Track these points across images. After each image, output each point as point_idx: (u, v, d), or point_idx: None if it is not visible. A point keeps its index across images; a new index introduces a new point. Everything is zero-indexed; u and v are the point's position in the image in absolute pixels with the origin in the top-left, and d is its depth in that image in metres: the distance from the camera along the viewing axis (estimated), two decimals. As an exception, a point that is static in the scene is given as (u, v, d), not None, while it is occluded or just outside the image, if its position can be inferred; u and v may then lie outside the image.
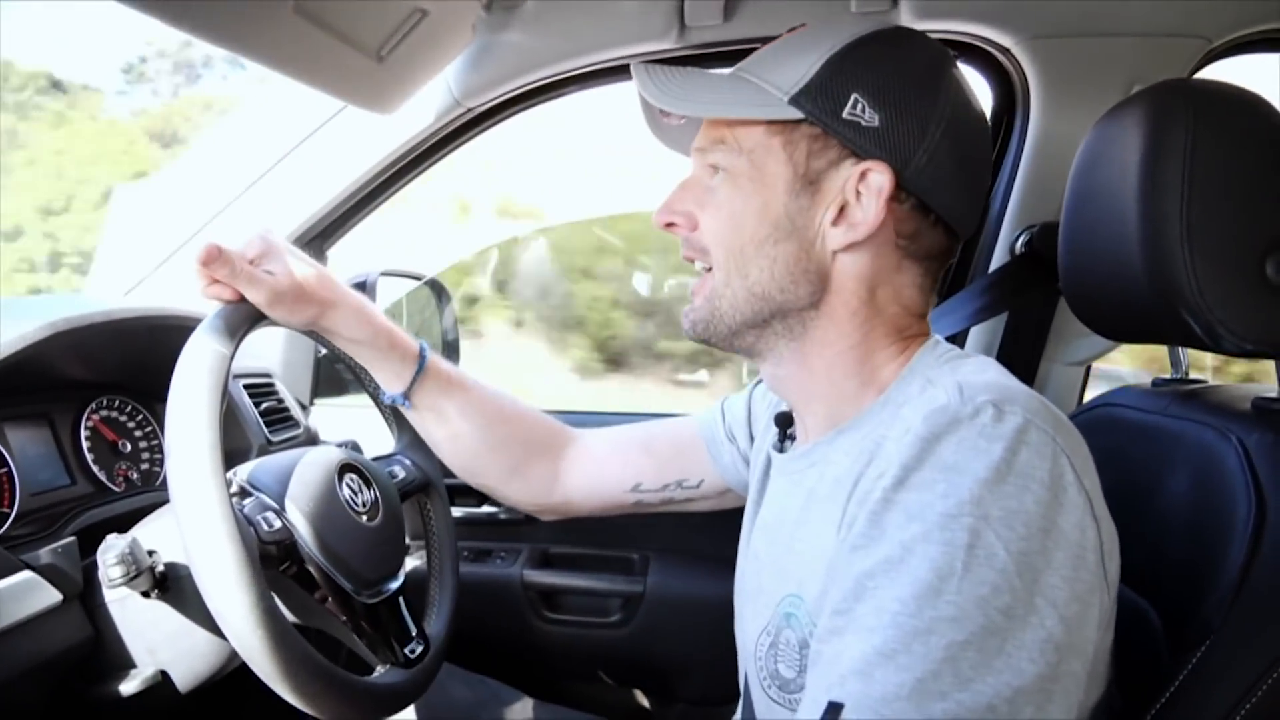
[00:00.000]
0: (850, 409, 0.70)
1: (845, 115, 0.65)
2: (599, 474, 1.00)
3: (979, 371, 0.62)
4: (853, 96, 0.65)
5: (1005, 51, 1.20)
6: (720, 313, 0.71)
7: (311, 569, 0.78)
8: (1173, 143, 0.68)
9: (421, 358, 0.92)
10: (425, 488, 1.03)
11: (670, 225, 0.74)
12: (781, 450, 0.79)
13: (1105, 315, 0.81)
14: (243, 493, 0.80)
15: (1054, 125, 1.19)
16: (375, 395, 0.97)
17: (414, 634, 0.87)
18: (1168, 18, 1.12)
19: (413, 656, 0.85)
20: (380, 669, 0.83)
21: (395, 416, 1.01)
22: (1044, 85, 1.18)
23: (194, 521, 0.66)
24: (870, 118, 0.65)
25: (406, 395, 0.92)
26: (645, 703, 1.50)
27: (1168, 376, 0.91)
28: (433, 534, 1.04)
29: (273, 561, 0.76)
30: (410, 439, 1.02)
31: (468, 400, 0.96)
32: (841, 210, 0.67)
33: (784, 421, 0.82)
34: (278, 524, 0.77)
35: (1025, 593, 0.49)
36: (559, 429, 1.03)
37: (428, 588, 1.00)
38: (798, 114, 0.65)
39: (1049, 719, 0.49)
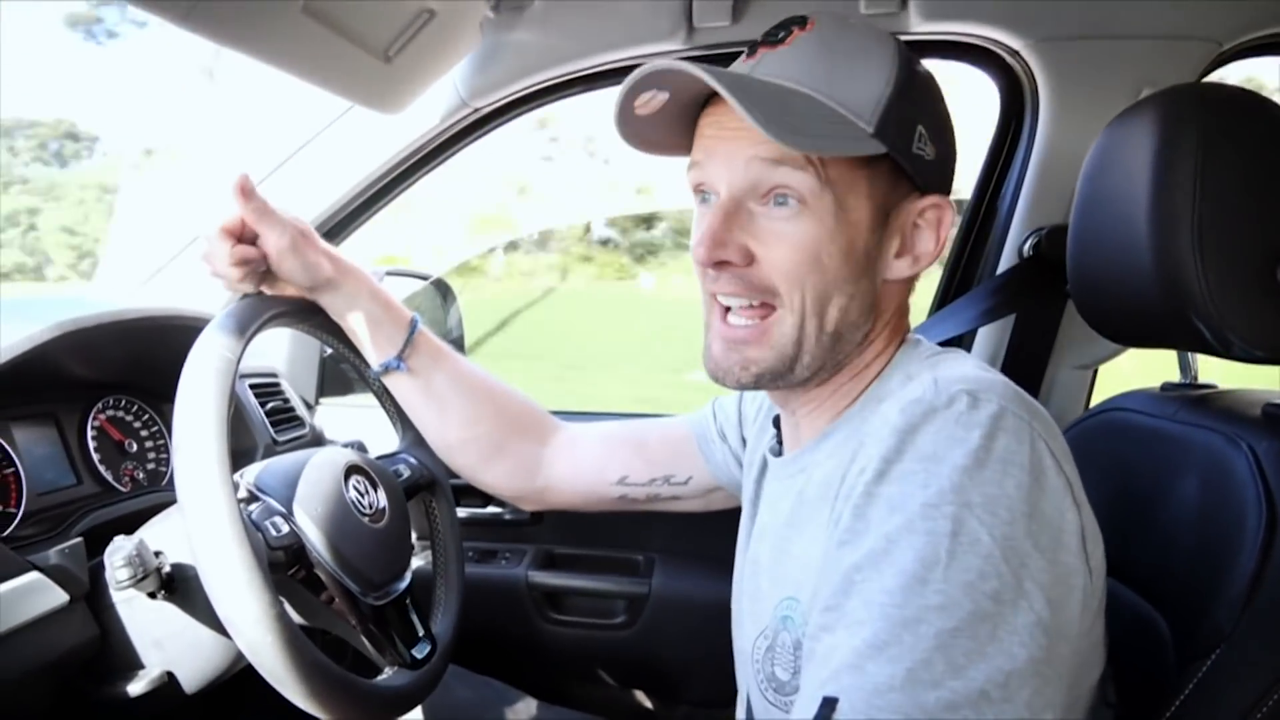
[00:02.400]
0: (841, 409, 0.70)
1: (914, 149, 0.64)
2: (584, 464, 1.00)
3: (955, 365, 0.63)
4: (919, 128, 0.64)
5: (1014, 54, 1.19)
6: (793, 359, 0.66)
7: (319, 573, 0.78)
8: (1184, 147, 0.68)
9: (413, 324, 0.94)
10: (430, 486, 1.03)
11: (722, 263, 0.65)
12: (779, 454, 0.79)
13: (1114, 319, 0.81)
14: (250, 497, 0.80)
15: (1063, 128, 1.18)
16: (368, 374, 0.97)
17: (421, 634, 0.87)
18: (1178, 21, 1.11)
19: (420, 657, 0.85)
20: (388, 671, 0.83)
21: (398, 413, 1.01)
22: (1053, 88, 1.18)
23: (203, 527, 0.66)
24: (930, 151, 0.65)
25: (400, 358, 0.92)
26: (649, 704, 1.50)
27: (1177, 381, 0.90)
28: (438, 533, 1.04)
29: (281, 566, 0.76)
30: (415, 437, 1.03)
31: (456, 372, 0.97)
32: (902, 241, 0.67)
33: (779, 423, 0.81)
34: (286, 528, 0.77)
35: (1013, 577, 0.49)
36: (545, 416, 1.04)
37: (434, 587, 1.00)
38: (882, 148, 0.62)
39: (1042, 701, 0.49)
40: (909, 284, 0.71)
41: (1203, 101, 0.69)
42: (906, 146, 0.63)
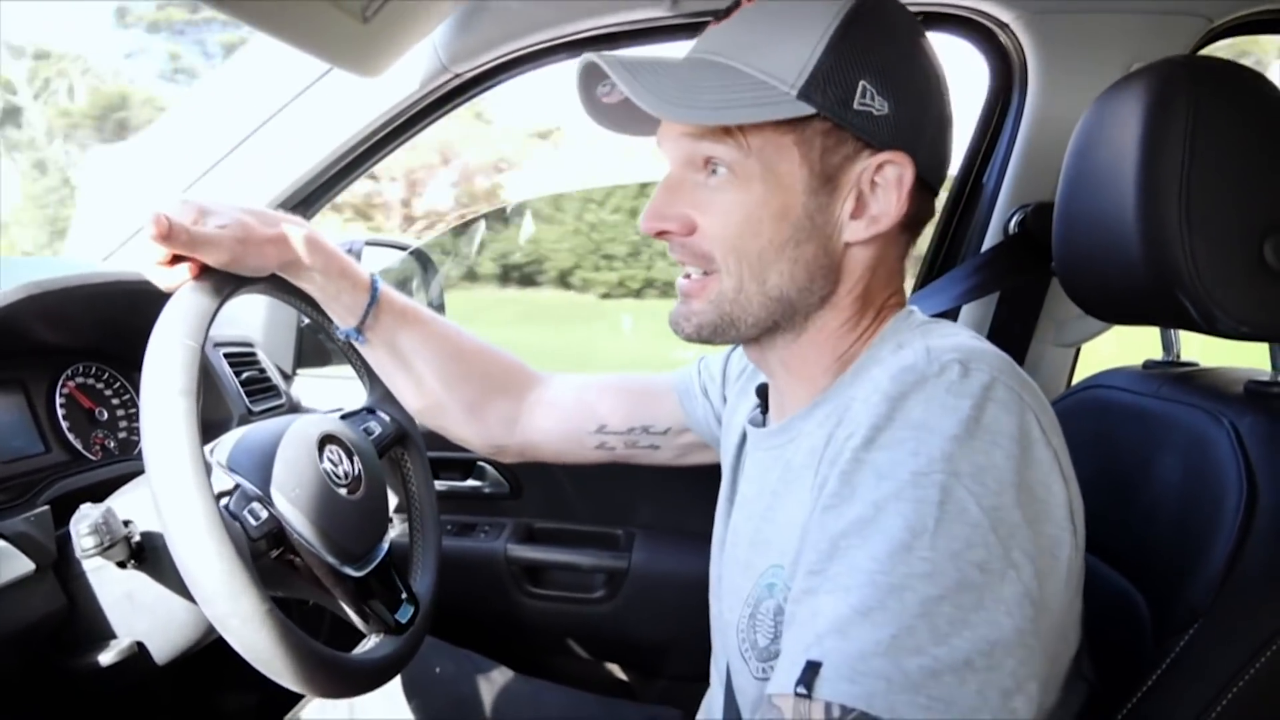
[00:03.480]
0: (826, 380, 0.70)
1: (856, 106, 0.62)
2: (563, 414, 1.00)
3: (948, 334, 0.62)
4: (860, 84, 0.62)
5: (1004, 26, 1.18)
6: (732, 318, 0.68)
7: (301, 553, 0.78)
8: (1173, 122, 0.67)
9: (374, 289, 0.90)
10: (402, 440, 1.01)
11: (663, 233, 0.69)
12: (762, 424, 0.79)
13: (1099, 297, 0.81)
14: (228, 490, 0.78)
15: (1051, 103, 1.18)
16: (333, 335, 0.95)
17: (404, 597, 0.87)
18: (1170, -5, 1.11)
19: (404, 621, 0.85)
20: (374, 639, 0.82)
21: (365, 368, 1.00)
22: (1042, 62, 1.17)
23: (177, 519, 0.64)
24: (880, 106, 0.62)
25: (360, 328, 0.90)
26: (627, 678, 1.50)
27: (1159, 359, 0.90)
28: (412, 487, 1.03)
29: (263, 553, 0.75)
30: (383, 392, 1.01)
31: (424, 334, 0.95)
32: (858, 201, 0.65)
33: (766, 393, 0.81)
34: (264, 514, 0.76)
35: (1000, 547, 0.49)
36: (523, 368, 1.03)
37: (411, 545, 1.00)
38: (809, 109, 0.62)
39: (1026, 672, 0.49)
40: (884, 247, 0.68)
41: (1192, 75, 0.68)
42: (844, 104, 0.62)
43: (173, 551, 0.65)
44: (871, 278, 0.68)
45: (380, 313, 0.91)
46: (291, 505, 0.78)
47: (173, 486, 0.64)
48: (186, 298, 0.74)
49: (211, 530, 0.64)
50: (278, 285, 0.87)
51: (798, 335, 0.69)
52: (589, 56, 0.65)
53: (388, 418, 1.00)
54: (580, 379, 1.02)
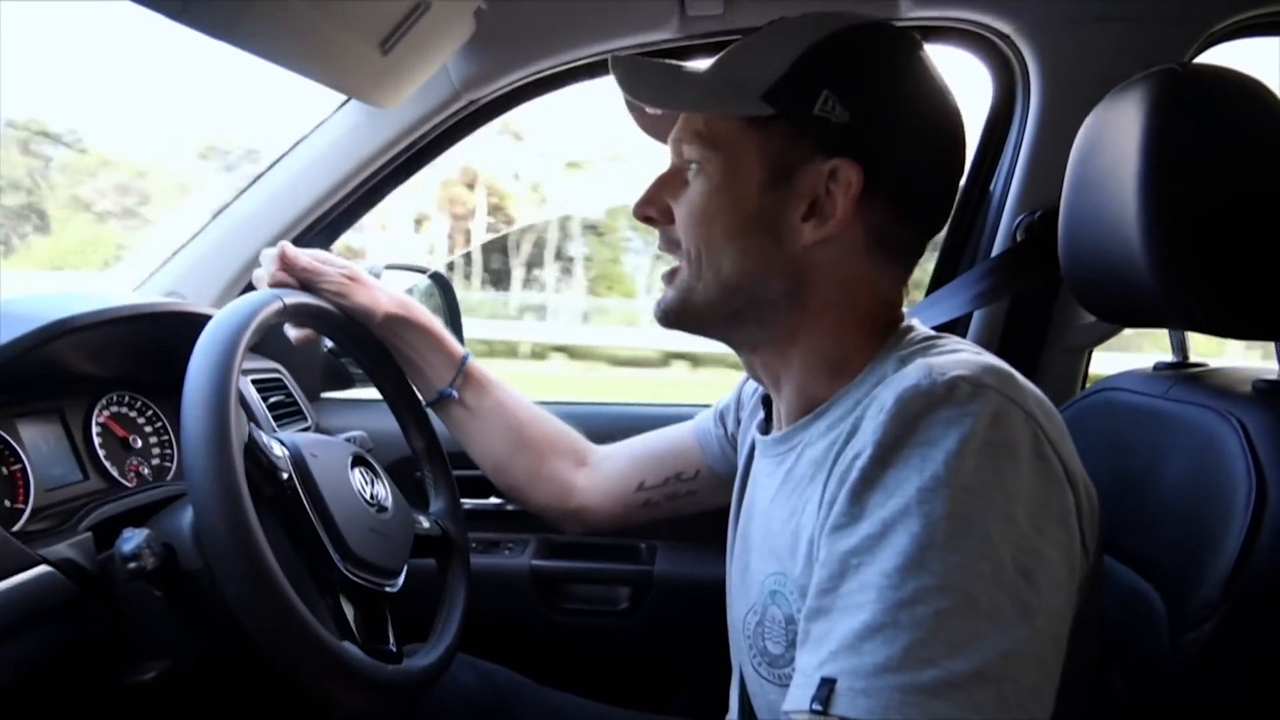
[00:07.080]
0: (823, 392, 0.71)
1: (816, 112, 0.66)
2: (610, 479, 1.06)
3: (951, 351, 0.64)
4: (824, 93, 0.66)
5: (1005, 38, 1.20)
6: (691, 303, 0.73)
7: (304, 521, 0.79)
8: (1171, 128, 0.69)
9: (464, 357, 1.02)
10: (449, 550, 1.02)
11: (648, 219, 0.76)
12: (766, 433, 0.80)
13: (1106, 300, 0.82)
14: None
15: (1054, 111, 1.19)
16: (409, 404, 1.03)
17: (391, 646, 0.84)
18: (1167, 2, 1.12)
19: (381, 653, 0.81)
20: (347, 645, 0.78)
21: (435, 482, 1.04)
22: (1043, 71, 1.18)
23: (208, 488, 0.68)
24: (840, 115, 0.66)
25: (453, 386, 1.01)
26: (654, 689, 1.51)
27: (1169, 360, 0.91)
28: (445, 595, 1.01)
29: (266, 493, 0.77)
30: (447, 505, 1.03)
31: (501, 400, 1.04)
32: (812, 205, 0.68)
33: (770, 404, 0.83)
34: (279, 451, 0.80)
35: (1008, 559, 0.50)
36: (578, 439, 1.10)
37: (429, 636, 0.96)
38: (769, 110, 0.67)
39: (1039, 678, 0.49)
40: (846, 259, 0.69)
41: (1189, 81, 0.70)
42: (803, 109, 0.66)
43: (197, 516, 0.70)
44: (843, 288, 0.70)
45: (468, 377, 1.02)
46: (312, 470, 0.81)
47: (209, 438, 0.69)
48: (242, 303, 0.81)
49: (238, 489, 0.69)
50: (351, 341, 0.97)
51: (772, 334, 0.73)
52: (615, 57, 0.73)
53: (442, 525, 1.01)
54: (619, 445, 1.09)
